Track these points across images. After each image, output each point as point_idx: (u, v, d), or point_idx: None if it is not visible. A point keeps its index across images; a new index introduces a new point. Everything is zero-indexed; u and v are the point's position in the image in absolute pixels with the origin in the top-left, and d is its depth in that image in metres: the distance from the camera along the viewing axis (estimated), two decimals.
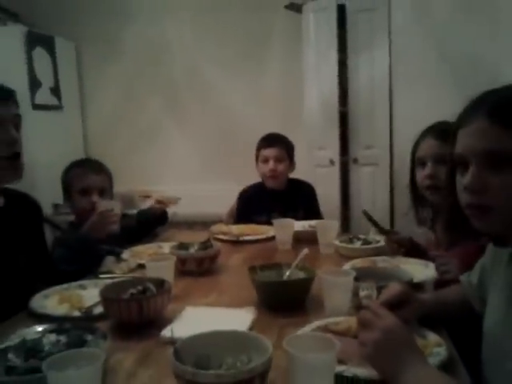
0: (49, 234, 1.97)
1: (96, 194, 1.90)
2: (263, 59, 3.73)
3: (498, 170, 0.84)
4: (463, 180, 0.88)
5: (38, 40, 3.48)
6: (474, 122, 0.86)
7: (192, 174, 3.87)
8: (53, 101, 3.64)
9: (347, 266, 1.46)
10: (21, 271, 1.43)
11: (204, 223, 2.86)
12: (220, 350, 0.87)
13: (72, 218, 2.14)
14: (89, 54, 3.97)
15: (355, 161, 3.28)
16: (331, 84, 3.19)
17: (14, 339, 0.96)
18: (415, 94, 3.09)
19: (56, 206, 3.22)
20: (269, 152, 2.46)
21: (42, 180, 3.32)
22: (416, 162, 1.63)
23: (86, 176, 1.92)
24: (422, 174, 1.58)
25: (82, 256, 1.64)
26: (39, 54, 3.48)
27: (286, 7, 3.42)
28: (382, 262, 1.53)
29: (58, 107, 3.67)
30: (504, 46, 2.80)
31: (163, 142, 3.94)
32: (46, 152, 3.38)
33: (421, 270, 1.41)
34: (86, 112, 4.03)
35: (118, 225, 1.81)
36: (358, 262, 1.50)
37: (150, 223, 2.15)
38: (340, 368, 0.84)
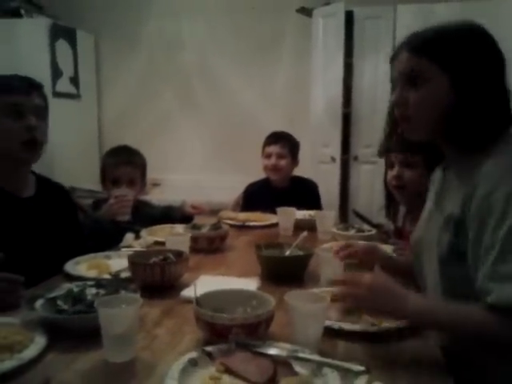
0: None
1: (125, 185, 2.04)
2: (273, 59, 3.91)
3: (414, 87, 1.06)
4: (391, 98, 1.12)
5: (61, 32, 3.68)
6: (398, 56, 1.11)
7: (201, 165, 4.06)
8: (72, 90, 3.84)
9: (325, 246, 1.64)
10: (56, 253, 1.58)
11: (211, 211, 3.06)
12: (232, 304, 1.06)
13: (91, 200, 2.33)
14: (107, 47, 4.16)
15: (356, 158, 3.48)
16: (337, 86, 3.38)
17: (59, 291, 1.15)
18: None
19: (73, 189, 3.41)
20: (272, 148, 2.65)
21: (60, 163, 3.52)
22: (387, 165, 1.83)
23: (116, 167, 2.08)
24: (390, 175, 1.77)
25: (95, 235, 1.83)
26: (61, 45, 3.68)
27: (297, 11, 3.60)
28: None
29: (76, 96, 3.88)
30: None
31: (175, 132, 4.13)
32: (63, 137, 3.57)
33: (390, 252, 1.59)
34: (102, 101, 4.22)
35: (129, 212, 1.94)
36: (335, 244, 1.69)
37: (173, 221, 2.15)
38: (328, 322, 1.03)
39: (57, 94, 3.62)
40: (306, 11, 3.58)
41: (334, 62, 3.40)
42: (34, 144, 1.53)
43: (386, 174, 1.83)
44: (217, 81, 4.03)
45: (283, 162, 2.62)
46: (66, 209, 1.77)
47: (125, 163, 2.09)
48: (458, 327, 0.96)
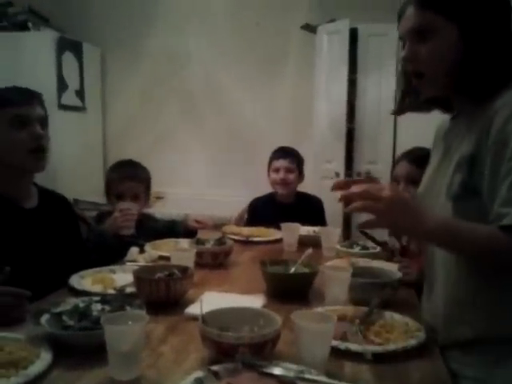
0: None
1: (129, 200, 2.04)
2: (277, 75, 3.94)
3: (423, 41, 1.08)
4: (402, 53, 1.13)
5: (68, 45, 3.72)
6: (404, 12, 1.12)
7: (205, 179, 4.08)
8: (77, 102, 3.87)
9: (329, 263, 1.64)
10: (59, 266, 1.59)
11: (215, 225, 3.06)
12: (238, 323, 1.05)
13: (94, 213, 2.34)
14: (113, 60, 4.20)
15: (359, 174, 3.48)
16: (340, 102, 3.40)
17: (65, 306, 1.15)
18: (418, 116, 3.28)
19: (76, 201, 3.42)
20: (281, 163, 2.67)
21: (63, 176, 3.53)
22: (392, 180, 1.84)
23: (121, 182, 2.09)
24: None
25: (99, 248, 1.83)
26: (68, 58, 3.72)
27: (302, 28, 3.64)
28: (364, 262, 1.69)
29: (81, 108, 3.90)
30: None
31: (179, 146, 4.16)
32: (68, 149, 3.60)
33: (394, 270, 1.57)
34: (107, 114, 4.25)
35: (132, 226, 1.94)
36: (339, 261, 1.69)
37: (177, 235, 2.14)
38: (335, 342, 1.03)
39: (62, 107, 3.65)
40: (310, 28, 3.61)
41: (338, 79, 3.42)
42: (42, 151, 1.56)
43: None
44: (221, 95, 4.06)
45: (292, 176, 2.64)
46: (69, 221, 1.78)
47: (129, 178, 2.10)
48: (473, 243, 0.98)
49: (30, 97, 1.58)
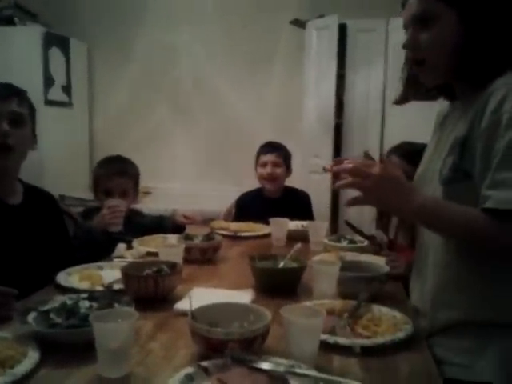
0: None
1: (118, 196, 2.03)
2: (266, 70, 3.94)
3: (425, 28, 1.09)
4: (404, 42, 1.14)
5: (55, 40, 3.68)
6: (408, 1, 1.13)
7: (193, 174, 4.07)
8: (64, 98, 3.83)
9: (317, 257, 1.64)
10: (45, 262, 1.58)
11: (203, 220, 3.05)
12: (227, 318, 1.05)
13: (80, 209, 2.32)
14: (100, 56, 4.16)
15: None
16: (329, 97, 3.41)
17: (52, 304, 1.14)
18: (406, 110, 3.27)
19: (62, 197, 3.39)
20: (268, 157, 2.67)
21: (50, 171, 3.50)
22: None
23: (109, 179, 2.07)
24: None
25: (88, 245, 1.82)
26: (54, 53, 3.67)
27: (291, 23, 3.64)
28: (352, 256, 1.69)
29: (68, 104, 3.86)
30: None
31: (167, 141, 4.14)
32: (54, 145, 3.56)
33: (381, 264, 1.58)
34: (94, 110, 4.22)
35: (121, 223, 1.93)
36: (327, 256, 1.69)
37: (165, 231, 2.13)
38: (323, 336, 1.03)
39: (49, 102, 3.60)
40: (299, 23, 3.61)
41: (327, 74, 3.43)
42: (4, 150, 1.50)
43: None
44: (209, 89, 4.04)
45: (279, 171, 2.65)
46: (54, 217, 1.77)
47: (118, 174, 2.08)
48: (457, 225, 1.00)
49: (6, 92, 1.54)
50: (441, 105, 1.29)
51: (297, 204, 2.67)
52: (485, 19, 1.05)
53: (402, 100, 1.27)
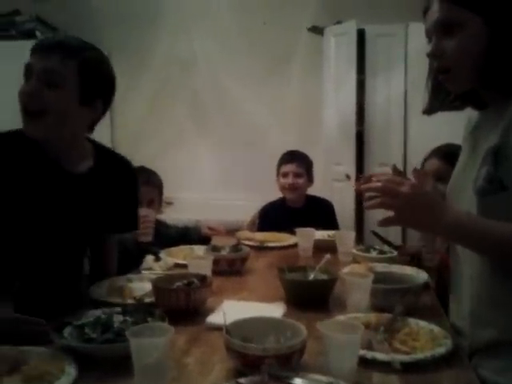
0: None
1: (144, 205, 2.04)
2: (285, 77, 3.94)
3: (450, 36, 1.06)
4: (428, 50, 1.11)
5: None
6: (430, 8, 1.10)
7: (214, 183, 4.07)
8: None
9: (347, 269, 1.61)
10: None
11: (227, 231, 3.05)
12: (261, 333, 1.04)
13: None
14: (119, 66, 4.15)
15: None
16: (349, 103, 3.39)
17: (86, 318, 1.14)
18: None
19: None
20: (289, 167, 2.66)
21: None
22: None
23: None
24: None
25: (119, 255, 1.83)
26: None
27: (309, 30, 3.64)
28: (382, 267, 1.64)
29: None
30: None
31: (187, 151, 4.15)
32: None
33: (415, 275, 1.54)
34: (115, 120, 4.25)
35: (151, 233, 1.96)
36: (357, 267, 1.65)
37: (190, 241, 2.12)
38: (361, 352, 1.01)
39: None
40: (317, 30, 3.61)
41: (347, 80, 3.41)
42: (26, 113, 1.29)
43: None
44: (229, 99, 4.05)
45: (300, 181, 2.64)
46: (125, 187, 1.58)
47: (144, 184, 2.10)
48: (492, 241, 0.98)
49: (48, 46, 1.30)
50: (469, 115, 1.27)
51: (320, 213, 2.66)
52: (511, 25, 1.02)
53: (429, 110, 1.24)
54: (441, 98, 1.18)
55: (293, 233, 2.13)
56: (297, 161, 2.68)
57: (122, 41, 4.13)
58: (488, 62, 1.04)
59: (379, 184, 1.00)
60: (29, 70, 1.30)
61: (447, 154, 1.74)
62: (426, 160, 1.93)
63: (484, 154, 1.06)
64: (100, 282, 1.55)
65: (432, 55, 1.10)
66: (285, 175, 2.67)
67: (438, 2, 1.08)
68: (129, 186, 1.60)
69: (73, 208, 1.42)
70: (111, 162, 1.53)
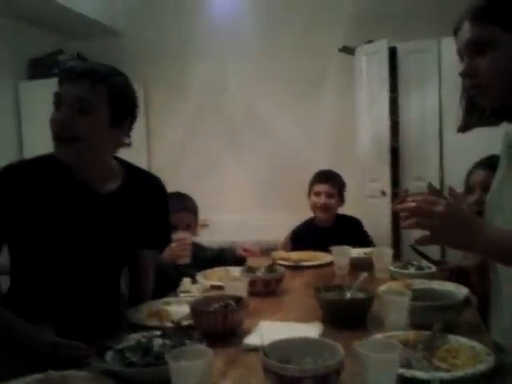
0: None
1: (181, 229, 2.09)
2: (319, 99, 3.97)
3: (482, 54, 1.07)
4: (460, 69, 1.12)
5: None
6: (461, 27, 1.12)
7: (249, 204, 4.11)
8: None
9: (383, 287, 1.59)
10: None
11: (262, 251, 3.06)
12: (299, 354, 1.04)
13: None
14: (155, 95, 4.33)
15: (406, 191, 3.41)
16: (383, 121, 3.38)
17: (127, 342, 1.17)
18: None
19: None
20: (321, 187, 2.67)
21: None
22: (466, 190, 1.80)
23: (174, 214, 2.11)
24: (470, 200, 1.74)
25: (159, 278, 1.87)
26: None
27: (340, 50, 3.66)
28: (420, 283, 1.62)
29: (127, 144, 4.01)
30: None
31: (223, 174, 4.21)
32: None
33: (454, 291, 1.50)
34: (152, 148, 4.37)
35: (189, 255, 2.00)
36: (394, 284, 1.64)
37: (225, 263, 2.14)
38: (400, 370, 1.00)
39: None
40: (348, 50, 3.63)
41: (380, 98, 3.41)
42: (58, 141, 1.32)
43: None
44: (262, 120, 4.10)
45: (332, 202, 2.65)
46: (155, 206, 1.58)
47: (182, 209, 2.16)
48: None
49: (79, 74, 1.31)
50: (507, 125, 1.25)
51: (349, 231, 2.66)
52: None
53: (464, 128, 1.24)
54: (476, 116, 1.17)
55: (328, 251, 2.12)
56: (330, 181, 2.70)
57: (157, 71, 4.27)
58: None
59: (414, 204, 1.00)
60: (59, 99, 1.33)
61: (492, 165, 1.71)
62: (470, 173, 1.90)
63: None
64: (138, 305, 1.58)
65: (465, 74, 1.10)
66: (317, 194, 2.68)
67: (468, 21, 1.08)
68: (159, 201, 1.60)
69: (104, 228, 1.44)
70: (140, 180, 1.54)
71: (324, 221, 2.68)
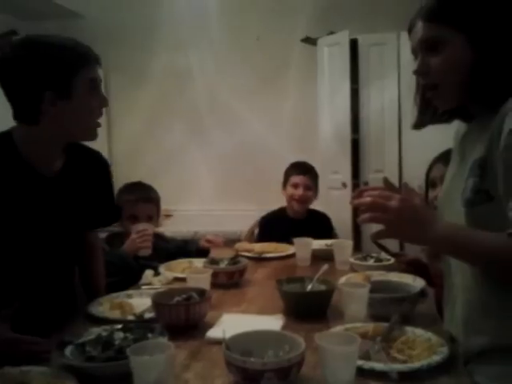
0: None
1: (143, 221, 2.07)
2: (281, 89, 3.98)
3: (435, 53, 1.09)
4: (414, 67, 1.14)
5: None
6: (414, 26, 1.14)
7: (212, 195, 4.10)
8: None
9: (343, 279, 1.63)
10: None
11: (225, 242, 3.07)
12: (261, 346, 1.05)
13: (103, 234, 2.35)
14: (116, 81, 4.23)
15: (366, 184, 3.49)
16: (344, 112, 3.42)
17: (87, 336, 1.16)
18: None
19: None
20: (300, 179, 2.67)
21: None
22: (429, 184, 1.85)
23: (134, 205, 2.11)
24: (432, 195, 1.80)
25: (121, 270, 1.85)
26: None
27: (302, 41, 3.68)
28: (378, 275, 1.67)
29: None
30: None
31: (185, 163, 4.18)
32: None
33: (411, 283, 1.55)
34: (112, 135, 4.28)
35: (150, 246, 1.99)
36: (353, 276, 1.68)
37: (189, 254, 2.14)
38: (359, 362, 1.03)
39: None
40: (310, 40, 3.65)
41: (341, 89, 3.45)
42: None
43: (426, 194, 1.85)
44: (225, 112, 4.09)
45: (310, 194, 2.67)
46: (99, 181, 1.58)
47: (143, 200, 2.14)
48: (481, 252, 1.00)
49: (96, 57, 1.40)
50: (459, 124, 1.29)
51: (319, 225, 2.69)
52: (494, 40, 1.05)
53: (419, 125, 1.27)
54: (429, 113, 1.21)
55: (291, 243, 2.14)
56: (308, 173, 2.70)
57: (119, 57, 4.17)
58: (473, 77, 1.07)
59: (369, 199, 1.02)
60: (97, 82, 1.39)
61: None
62: (431, 167, 1.95)
63: (470, 166, 1.08)
64: (95, 293, 1.57)
65: (418, 72, 1.13)
66: (295, 186, 2.66)
67: (421, 20, 1.11)
68: (103, 177, 1.60)
69: (53, 211, 1.42)
70: (81, 156, 1.51)
71: (298, 212, 2.68)
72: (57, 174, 1.43)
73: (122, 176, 3.27)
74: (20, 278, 1.39)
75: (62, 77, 1.31)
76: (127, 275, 1.85)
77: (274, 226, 2.69)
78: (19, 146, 1.35)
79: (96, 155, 1.59)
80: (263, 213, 2.84)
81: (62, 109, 1.31)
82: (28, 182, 1.37)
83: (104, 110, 3.91)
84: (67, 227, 1.47)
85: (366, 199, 1.03)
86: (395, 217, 1.00)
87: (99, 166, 1.59)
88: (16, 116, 1.35)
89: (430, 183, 1.86)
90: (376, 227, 1.05)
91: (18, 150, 1.35)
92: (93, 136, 1.41)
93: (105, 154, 4.22)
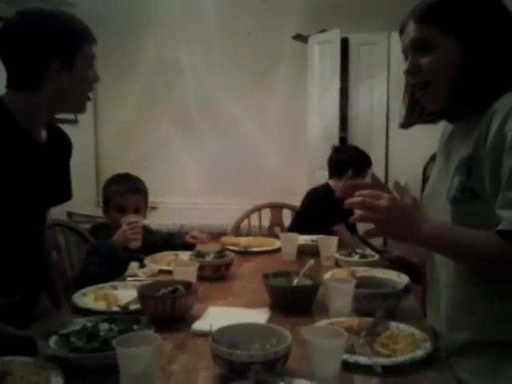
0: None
1: (131, 213, 2.06)
2: (270, 85, 3.97)
3: (425, 54, 1.11)
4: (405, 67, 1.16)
5: None
6: (405, 27, 1.16)
7: (199, 188, 4.09)
8: (69, 115, 3.83)
9: (328, 274, 1.64)
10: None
11: (211, 236, 3.07)
12: (247, 339, 1.06)
13: (89, 225, 2.33)
14: (104, 74, 4.16)
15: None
16: (333, 110, 3.43)
17: (71, 327, 1.15)
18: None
19: (70, 214, 3.40)
20: None
21: None
22: (424, 181, 1.87)
23: (124, 196, 2.10)
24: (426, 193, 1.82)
25: (110, 261, 1.84)
26: None
27: (293, 38, 3.67)
28: (363, 271, 1.68)
29: (73, 121, 3.87)
30: None
31: (172, 156, 4.16)
32: None
33: (396, 279, 1.57)
34: (99, 127, 4.24)
35: (140, 238, 1.99)
36: (338, 272, 1.69)
37: (174, 247, 2.14)
38: (344, 356, 1.04)
39: (54, 120, 3.62)
40: (301, 38, 3.65)
41: (330, 88, 3.45)
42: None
43: (423, 188, 1.86)
44: (214, 105, 4.07)
45: None
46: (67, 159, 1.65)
47: (131, 191, 2.12)
48: (469, 250, 1.02)
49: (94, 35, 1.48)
50: (445, 125, 1.31)
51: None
52: (484, 41, 1.07)
53: (406, 125, 1.29)
54: (417, 113, 1.22)
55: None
56: None
57: (107, 48, 4.11)
58: (463, 77, 1.08)
59: (359, 199, 1.03)
60: (94, 60, 1.45)
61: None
62: (427, 165, 1.98)
63: (457, 164, 1.10)
64: (84, 289, 1.55)
65: (408, 72, 1.15)
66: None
67: (412, 22, 1.13)
68: (69, 155, 1.65)
69: (43, 178, 1.46)
70: (56, 132, 1.57)
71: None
72: (45, 144, 1.47)
73: (107, 168, 3.25)
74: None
75: (68, 47, 1.37)
76: (115, 267, 1.83)
77: (320, 201, 2.70)
78: (13, 113, 1.36)
79: (66, 135, 1.65)
80: (249, 207, 2.84)
81: (65, 78, 1.36)
82: (25, 148, 1.39)
83: (92, 102, 3.86)
84: (48, 196, 1.52)
85: (357, 199, 1.04)
86: (384, 216, 1.01)
87: (68, 146, 1.65)
88: (13, 83, 1.37)
89: (427, 179, 1.88)
90: (365, 226, 1.06)
91: (13, 115, 1.36)
92: (84, 109, 1.49)
93: (91, 146, 4.25)
